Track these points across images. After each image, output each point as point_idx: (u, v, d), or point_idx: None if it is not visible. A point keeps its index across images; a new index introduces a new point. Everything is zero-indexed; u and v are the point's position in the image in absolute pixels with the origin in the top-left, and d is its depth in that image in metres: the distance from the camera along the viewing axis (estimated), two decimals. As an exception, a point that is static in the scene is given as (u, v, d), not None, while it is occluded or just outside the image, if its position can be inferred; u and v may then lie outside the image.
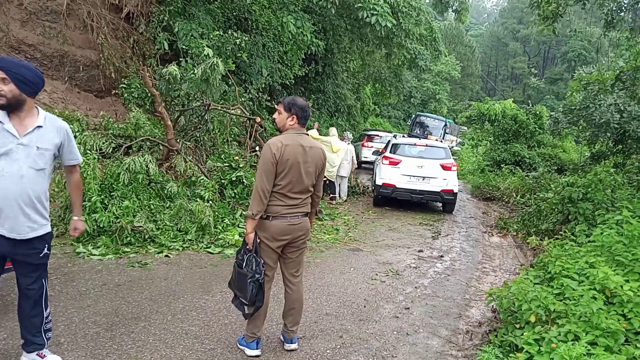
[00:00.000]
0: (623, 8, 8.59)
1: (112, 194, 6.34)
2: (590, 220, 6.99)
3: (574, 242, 5.58)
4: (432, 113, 30.77)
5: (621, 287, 3.82)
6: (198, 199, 6.89)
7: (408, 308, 4.77)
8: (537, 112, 17.46)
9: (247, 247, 3.34)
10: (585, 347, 3.23)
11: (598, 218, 6.65)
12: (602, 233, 5.27)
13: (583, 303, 3.65)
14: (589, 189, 7.75)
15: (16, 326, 3.49)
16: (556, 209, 8.09)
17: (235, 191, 7.91)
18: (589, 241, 5.43)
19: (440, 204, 11.23)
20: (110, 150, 7.65)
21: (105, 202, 6.16)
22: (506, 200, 12.90)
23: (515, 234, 8.83)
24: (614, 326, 3.39)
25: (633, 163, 10.40)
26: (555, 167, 15.24)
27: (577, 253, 4.97)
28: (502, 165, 16.17)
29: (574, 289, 3.99)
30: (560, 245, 5.43)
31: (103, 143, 7.61)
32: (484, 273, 6.41)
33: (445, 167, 10.45)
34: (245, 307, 3.33)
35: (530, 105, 18.94)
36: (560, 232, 6.60)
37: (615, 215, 5.77)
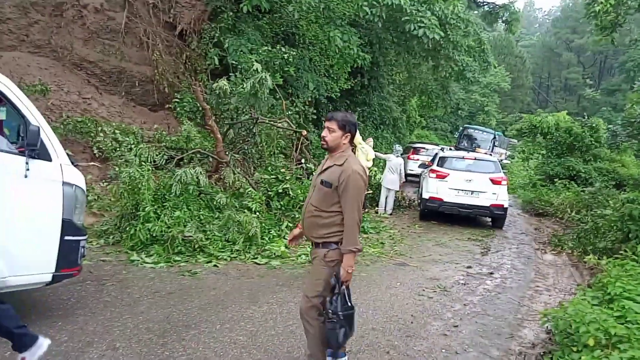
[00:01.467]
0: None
1: (164, 204, 6.57)
2: (654, 240, 6.59)
3: (636, 262, 5.26)
4: (480, 125, 30.06)
5: (689, 312, 3.57)
6: (246, 210, 7.03)
7: (457, 326, 4.63)
8: (594, 125, 16.65)
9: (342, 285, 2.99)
10: (651, 374, 3.04)
11: (662, 237, 6.28)
12: (667, 253, 4.96)
13: (647, 327, 3.44)
14: (652, 206, 7.30)
15: (76, 329, 3.68)
16: (615, 227, 7.66)
17: (282, 203, 8.00)
18: (653, 261, 5.12)
19: (489, 219, 10.91)
20: (163, 162, 7.95)
21: (158, 212, 6.39)
22: (560, 216, 12.33)
23: (570, 251, 8.42)
24: (682, 353, 3.16)
25: (701, 179, 9.74)
26: (614, 183, 14.44)
27: (639, 274, 4.69)
28: (555, 180, 15.51)
29: (636, 312, 3.76)
30: (621, 265, 5.15)
31: (156, 155, 7.92)
32: (537, 292, 6.14)
33: (494, 181, 10.16)
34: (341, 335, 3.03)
35: (586, 117, 18.13)
36: (620, 251, 6.24)
37: (682, 234, 5.41)
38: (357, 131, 11.05)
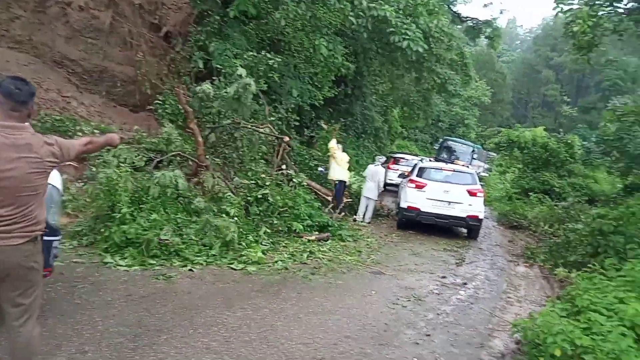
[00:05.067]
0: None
1: (141, 206, 6.50)
2: (621, 254, 6.78)
3: (604, 276, 5.41)
4: (460, 138, 30.52)
5: (652, 325, 3.69)
6: (224, 215, 7.01)
7: (429, 335, 4.70)
8: (569, 141, 17.09)
9: None
10: (613, 386, 3.14)
11: (629, 252, 6.47)
12: (633, 268, 5.12)
13: (611, 339, 3.55)
14: (621, 222, 7.53)
15: (45, 332, 3.61)
16: (586, 241, 7.88)
17: (260, 209, 8.01)
18: (619, 275, 5.26)
19: (465, 230, 11.08)
20: (142, 163, 7.87)
21: (135, 214, 6.32)
22: (533, 229, 12.59)
23: (542, 264, 8.61)
24: (643, 365, 3.27)
25: (669, 197, 10.07)
26: (586, 198, 14.82)
27: (606, 287, 4.83)
28: (530, 194, 15.85)
29: (602, 324, 3.87)
30: (589, 278, 5.28)
31: (135, 156, 7.85)
32: (508, 303, 6.26)
33: (471, 193, 10.33)
34: None
35: (562, 133, 18.60)
36: (589, 265, 6.41)
37: (648, 250, 5.59)
38: (334, 139, 11.15)
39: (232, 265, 6.17)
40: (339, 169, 10.85)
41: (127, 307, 4.42)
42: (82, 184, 7.87)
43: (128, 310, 4.34)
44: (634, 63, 42.29)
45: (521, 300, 6.46)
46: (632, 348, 3.46)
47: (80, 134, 8.48)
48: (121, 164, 7.02)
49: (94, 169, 7.52)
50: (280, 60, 10.68)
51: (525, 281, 7.59)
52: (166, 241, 6.12)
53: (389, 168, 18.32)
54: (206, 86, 8.23)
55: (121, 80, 10.99)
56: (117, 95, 11.03)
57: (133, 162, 7.64)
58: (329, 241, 8.35)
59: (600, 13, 7.54)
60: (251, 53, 10.19)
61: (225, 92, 8.11)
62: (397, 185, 14.64)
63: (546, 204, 14.09)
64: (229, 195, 7.64)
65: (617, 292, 4.54)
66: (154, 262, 5.82)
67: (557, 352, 3.64)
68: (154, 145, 8.94)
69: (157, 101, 10.38)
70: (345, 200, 11.12)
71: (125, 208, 6.20)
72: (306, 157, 12.56)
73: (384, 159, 12.76)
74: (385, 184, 15.34)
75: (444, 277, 7.15)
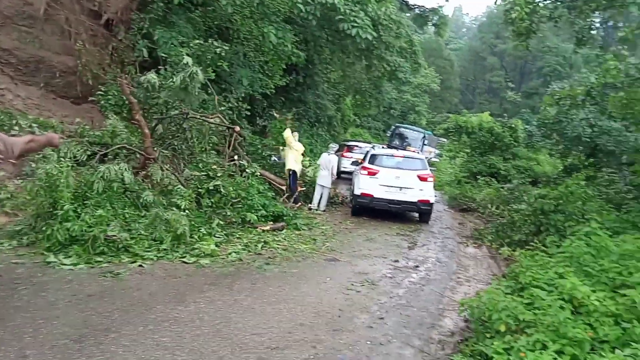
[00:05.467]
0: (593, 26, 8.89)
1: (85, 202, 6.24)
2: (562, 232, 7.17)
3: (545, 253, 5.69)
4: (411, 125, 31.15)
5: (588, 297, 3.92)
6: (174, 208, 6.84)
7: (382, 318, 4.80)
8: (512, 126, 17.85)
9: None
10: (553, 356, 3.31)
11: (568, 229, 6.83)
12: (571, 244, 5.39)
13: (551, 313, 3.73)
14: (561, 201, 7.96)
15: None
16: (529, 220, 8.27)
17: (213, 200, 7.87)
18: (559, 252, 5.55)
19: (417, 214, 11.36)
20: (85, 158, 7.55)
21: (79, 210, 6.05)
22: (482, 211, 13.10)
23: (489, 244, 8.97)
24: (580, 335, 3.47)
25: (603, 176, 10.72)
26: (530, 180, 15.55)
27: (547, 264, 5.08)
28: (478, 177, 16.44)
29: (543, 299, 4.06)
30: (531, 256, 5.53)
31: (78, 151, 7.51)
32: (458, 283, 6.49)
33: (421, 178, 10.58)
34: None
35: (507, 118, 19.34)
36: (532, 243, 6.73)
37: (585, 227, 5.90)
38: (288, 129, 11.14)
39: (184, 259, 6.04)
40: (292, 158, 10.84)
41: (73, 307, 4.24)
42: (21, 180, 7.45)
43: (73, 310, 4.17)
44: (572, 49, 44.38)
45: (470, 279, 6.71)
46: (569, 320, 3.65)
47: (17, 128, 8.01)
48: (62, 159, 6.68)
49: (33, 165, 7.13)
50: (228, 48, 10.46)
51: (474, 261, 7.88)
52: (113, 237, 5.91)
53: (342, 156, 18.49)
54: (151, 76, 7.96)
55: (60, 71, 10.41)
56: (56, 86, 10.44)
57: (75, 157, 7.30)
58: (284, 230, 8.33)
59: (536, 0, 7.86)
60: (198, 41, 9.92)
61: (172, 82, 7.88)
62: (351, 173, 14.81)
63: (493, 186, 14.66)
64: (179, 188, 7.47)
65: (557, 267, 4.79)
66: (101, 259, 5.61)
67: (502, 328, 3.81)
68: (98, 138, 8.58)
69: (99, 92, 9.94)
70: (299, 189, 11.13)
71: (68, 204, 5.93)
72: (259, 146, 12.44)
73: (336, 147, 12.83)
74: (340, 172, 15.49)
75: (396, 261, 7.31)
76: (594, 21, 9.50)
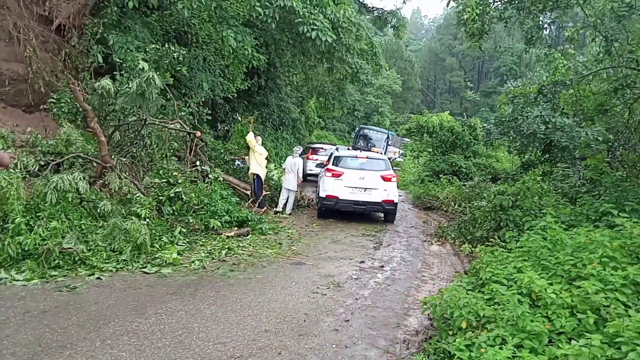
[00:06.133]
0: (541, 26, 9.21)
1: (38, 214, 5.99)
2: (520, 227, 7.35)
3: (504, 249, 5.83)
4: (375, 126, 31.48)
5: (545, 290, 4.03)
6: (133, 217, 6.64)
7: (348, 320, 4.80)
8: (472, 124, 18.31)
9: None
10: (512, 350, 3.39)
11: (526, 224, 7.01)
12: (528, 239, 5.54)
13: (510, 307, 3.82)
14: (519, 197, 8.18)
15: None
16: (489, 217, 8.47)
17: (174, 208, 7.72)
18: (517, 247, 5.69)
19: (382, 214, 11.46)
20: (37, 168, 7.25)
21: (31, 223, 5.81)
22: (445, 209, 13.35)
23: (453, 242, 9.15)
24: (538, 328, 3.56)
25: (558, 171, 11.10)
26: (490, 177, 15.97)
27: (506, 259, 5.20)
28: (440, 176, 16.75)
29: (502, 294, 4.15)
30: (491, 251, 5.65)
31: (29, 161, 7.20)
32: (422, 282, 6.58)
33: (385, 179, 10.69)
34: None
35: (466, 117, 19.80)
36: (492, 239, 6.89)
37: (541, 221, 6.06)
38: (251, 132, 11.05)
39: (144, 270, 5.89)
40: (255, 162, 10.76)
41: (25, 324, 4.05)
42: (-32, 194, 7.08)
43: (26, 328, 3.99)
44: (523, 49, 46.00)
45: (434, 277, 6.81)
46: (528, 313, 3.75)
47: (-38, 139, 7.62)
48: (12, 170, 6.38)
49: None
50: (187, 52, 10.27)
51: (438, 259, 8.01)
52: (69, 250, 5.71)
53: (308, 158, 18.49)
54: (106, 82, 7.71)
55: (9, 79, 9.95)
56: (6, 94, 9.98)
57: (26, 167, 6.99)
58: (249, 236, 8.25)
59: (488, 1, 8.08)
60: (154, 46, 9.69)
61: (128, 88, 7.65)
62: (316, 175, 14.81)
63: (455, 184, 14.96)
64: (139, 196, 7.27)
65: (516, 262, 4.91)
66: (57, 273, 5.41)
67: (464, 324, 3.88)
68: (52, 147, 8.25)
69: (51, 100, 9.58)
70: (264, 193, 11.04)
71: (20, 217, 5.69)
72: (222, 151, 12.28)
73: (301, 149, 12.81)
74: (305, 175, 15.47)
75: (362, 262, 7.35)
76: (542, 21, 9.84)
